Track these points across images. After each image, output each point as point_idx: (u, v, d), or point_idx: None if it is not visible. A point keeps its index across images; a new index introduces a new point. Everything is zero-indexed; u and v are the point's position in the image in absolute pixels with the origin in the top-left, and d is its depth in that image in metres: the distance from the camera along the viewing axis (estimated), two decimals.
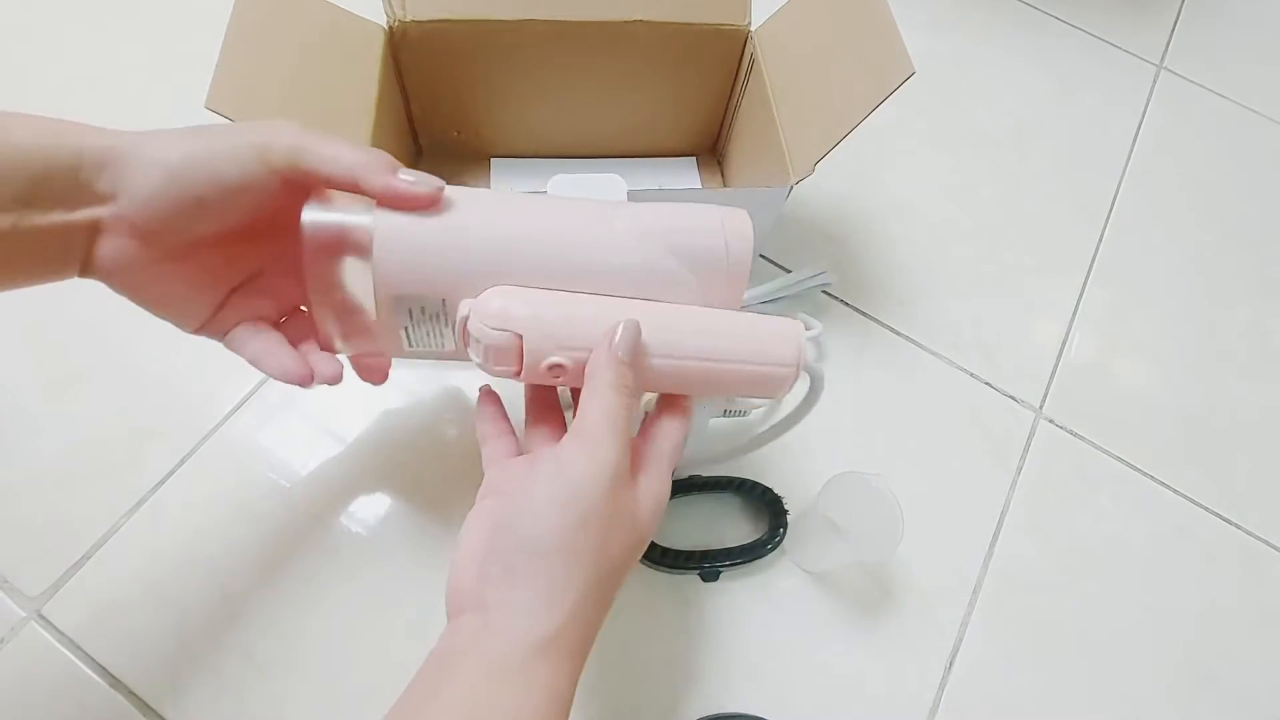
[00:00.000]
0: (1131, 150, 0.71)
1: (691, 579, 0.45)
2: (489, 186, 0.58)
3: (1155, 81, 0.77)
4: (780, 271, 0.58)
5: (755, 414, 0.50)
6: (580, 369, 0.29)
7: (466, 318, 0.29)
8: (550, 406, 0.35)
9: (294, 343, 0.33)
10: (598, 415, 0.28)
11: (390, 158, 0.29)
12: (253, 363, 0.32)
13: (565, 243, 0.31)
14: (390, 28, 0.48)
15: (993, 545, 0.49)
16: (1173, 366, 0.59)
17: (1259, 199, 0.70)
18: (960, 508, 0.50)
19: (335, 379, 0.33)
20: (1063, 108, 0.73)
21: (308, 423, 0.48)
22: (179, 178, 0.27)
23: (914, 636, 0.46)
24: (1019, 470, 0.52)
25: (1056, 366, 0.57)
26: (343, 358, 0.34)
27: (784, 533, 0.46)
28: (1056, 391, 0.56)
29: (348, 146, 0.28)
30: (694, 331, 0.31)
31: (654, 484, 0.30)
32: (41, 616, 0.41)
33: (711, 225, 0.32)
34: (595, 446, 0.27)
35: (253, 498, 0.45)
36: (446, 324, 0.31)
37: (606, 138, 0.60)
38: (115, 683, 0.39)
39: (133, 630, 0.41)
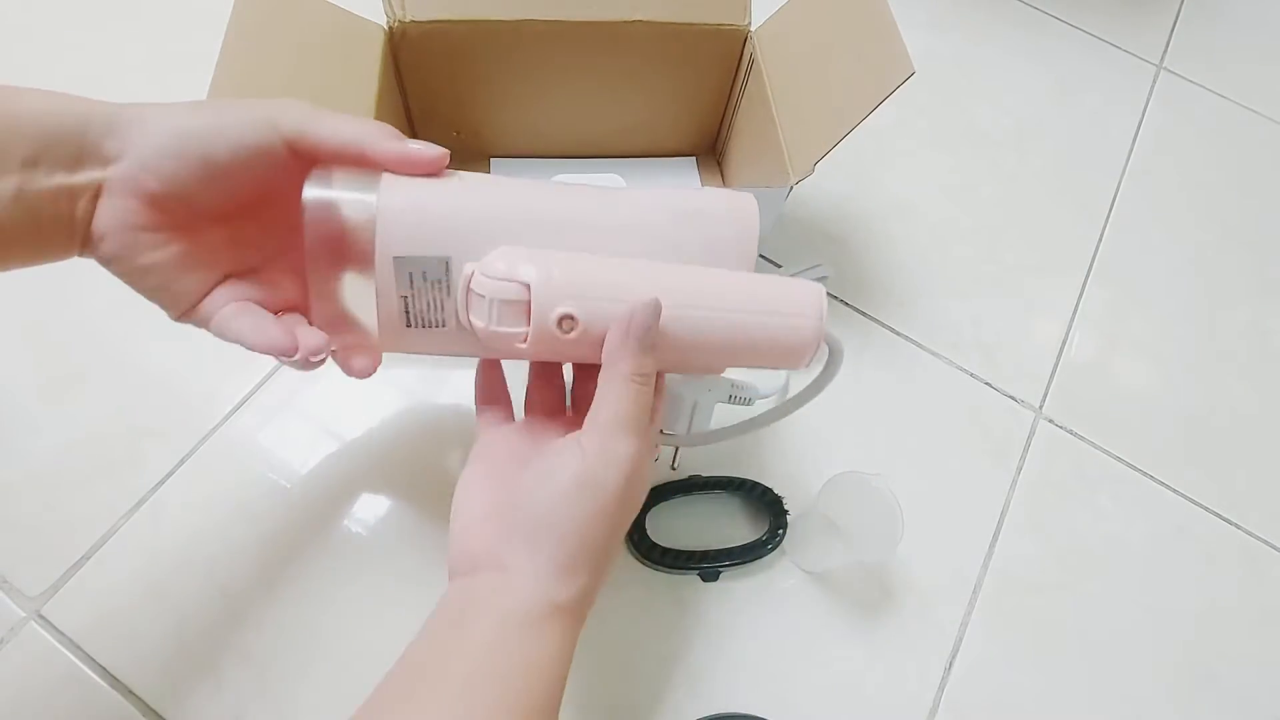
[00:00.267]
0: (1131, 150, 0.71)
1: (691, 579, 0.45)
2: None
3: (1155, 81, 0.77)
4: (772, 267, 0.58)
5: (760, 404, 0.50)
6: (595, 326, 0.28)
7: (470, 277, 0.29)
8: (553, 376, 0.35)
9: None
10: (616, 408, 0.28)
11: (394, 129, 0.29)
12: (238, 339, 0.30)
13: (570, 216, 0.30)
14: (390, 28, 0.48)
15: (993, 545, 0.49)
16: (1173, 366, 0.59)
17: (1259, 199, 0.70)
18: (960, 508, 0.50)
19: (319, 349, 0.31)
20: (1063, 108, 0.73)
21: (308, 423, 0.48)
22: (187, 137, 0.27)
23: (914, 636, 0.46)
24: (1019, 470, 0.52)
25: (1056, 366, 0.57)
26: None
27: (784, 533, 0.46)
28: (1056, 391, 0.56)
29: (353, 118, 0.29)
30: (711, 293, 0.30)
31: (645, 457, 0.31)
32: (41, 616, 0.41)
33: (718, 208, 0.32)
34: (615, 441, 0.28)
35: (253, 498, 0.45)
36: (448, 293, 0.29)
37: (606, 138, 0.60)
38: (115, 683, 0.39)
39: (133, 630, 0.41)
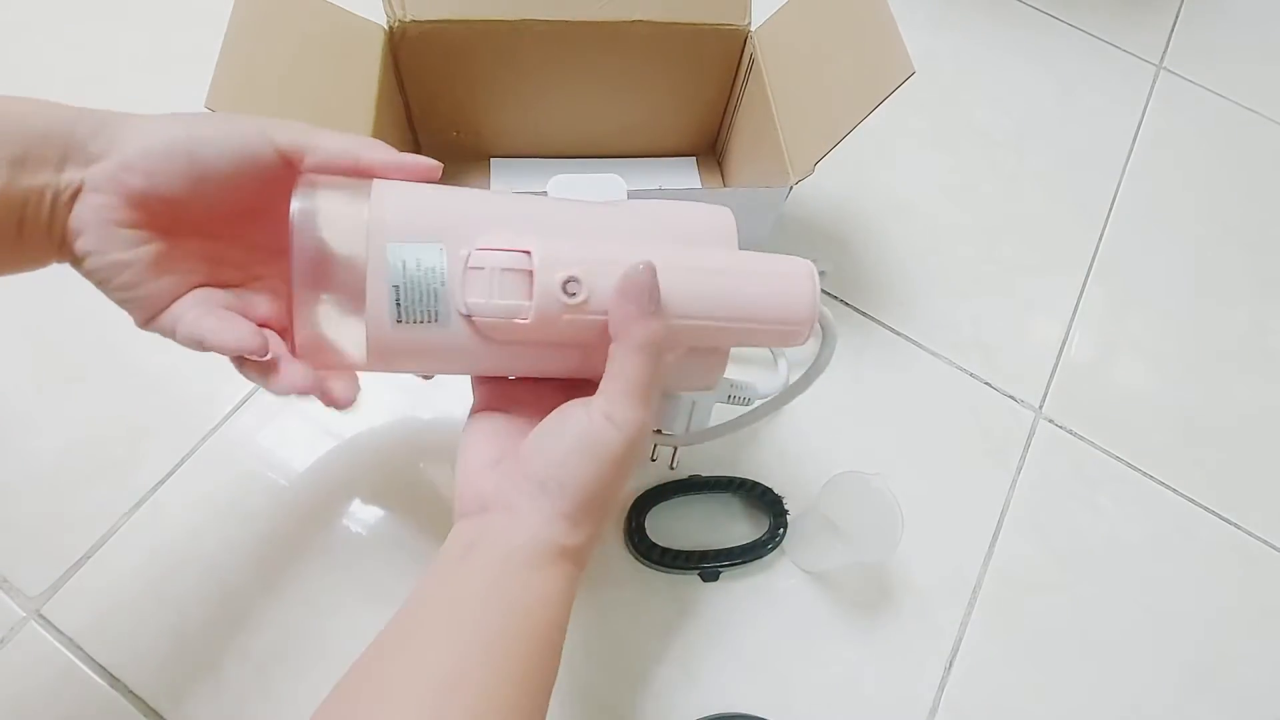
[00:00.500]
0: (1131, 150, 0.71)
1: (691, 579, 0.45)
2: (488, 187, 0.58)
3: (1155, 81, 0.77)
4: None
5: (758, 403, 0.50)
6: (599, 292, 0.28)
7: (468, 256, 0.28)
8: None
9: None
10: (626, 379, 0.28)
11: (388, 145, 0.29)
12: (200, 338, 0.28)
13: (559, 217, 0.31)
14: (390, 28, 0.48)
15: (993, 545, 0.49)
16: (1172, 366, 0.59)
17: (1259, 199, 0.70)
18: (960, 508, 0.50)
19: (301, 379, 0.30)
20: (1063, 108, 0.73)
21: (307, 423, 0.48)
22: (176, 139, 0.27)
23: (914, 636, 0.46)
24: (1019, 470, 0.52)
25: (1056, 366, 0.57)
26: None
27: (784, 533, 0.46)
28: (1056, 391, 0.56)
29: (349, 134, 0.29)
30: (709, 267, 0.31)
31: (648, 426, 0.32)
32: (41, 616, 0.41)
33: (697, 222, 0.32)
34: (625, 410, 0.28)
35: (252, 498, 0.45)
36: (442, 282, 0.28)
37: (606, 138, 0.60)
38: (115, 683, 0.39)
39: (133, 630, 0.41)
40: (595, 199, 0.33)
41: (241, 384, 0.48)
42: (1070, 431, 0.55)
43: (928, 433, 0.53)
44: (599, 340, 0.29)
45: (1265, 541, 0.52)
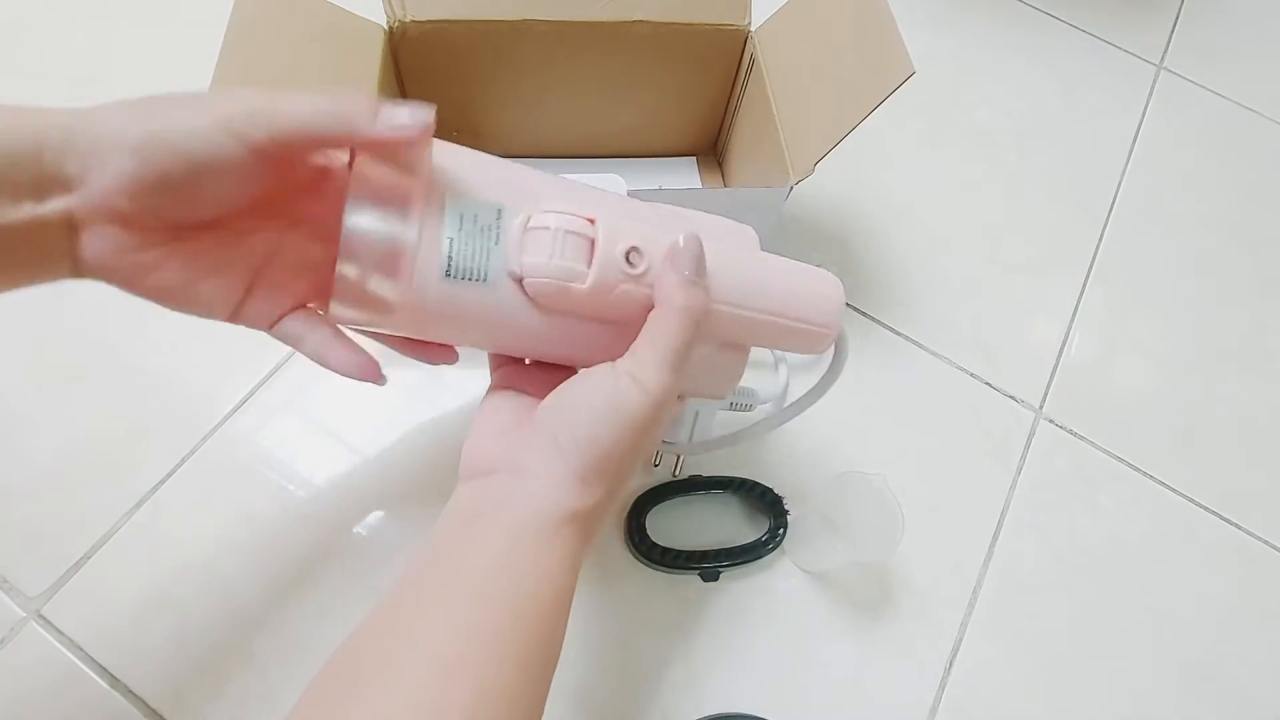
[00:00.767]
0: (1131, 150, 0.71)
1: (691, 579, 0.45)
2: None
3: (1155, 81, 0.77)
4: None
5: (761, 408, 0.51)
6: (658, 265, 0.29)
7: (529, 218, 0.28)
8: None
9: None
10: (662, 342, 0.28)
11: (363, 103, 0.26)
12: (313, 359, 0.31)
13: (614, 204, 0.31)
14: (390, 28, 0.48)
15: (993, 545, 0.49)
16: (1173, 366, 0.59)
17: (1259, 199, 0.70)
18: (960, 508, 0.50)
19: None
20: (1063, 107, 0.73)
21: (308, 423, 0.48)
22: (145, 160, 0.25)
23: (914, 637, 0.46)
24: (1019, 470, 0.52)
25: (1056, 366, 0.57)
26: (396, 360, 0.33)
27: (784, 533, 0.46)
28: (1056, 391, 0.56)
29: (312, 99, 0.26)
30: (747, 262, 0.31)
31: (674, 394, 0.32)
32: (41, 616, 0.41)
33: (727, 230, 0.33)
34: (655, 373, 0.28)
35: (253, 498, 0.45)
36: (496, 242, 0.28)
37: (606, 138, 0.60)
38: (115, 683, 0.39)
39: (133, 630, 0.41)
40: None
41: (241, 384, 0.49)
42: (1070, 431, 0.55)
43: (928, 433, 0.53)
44: (640, 318, 0.29)
45: (1265, 541, 0.52)
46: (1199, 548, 0.51)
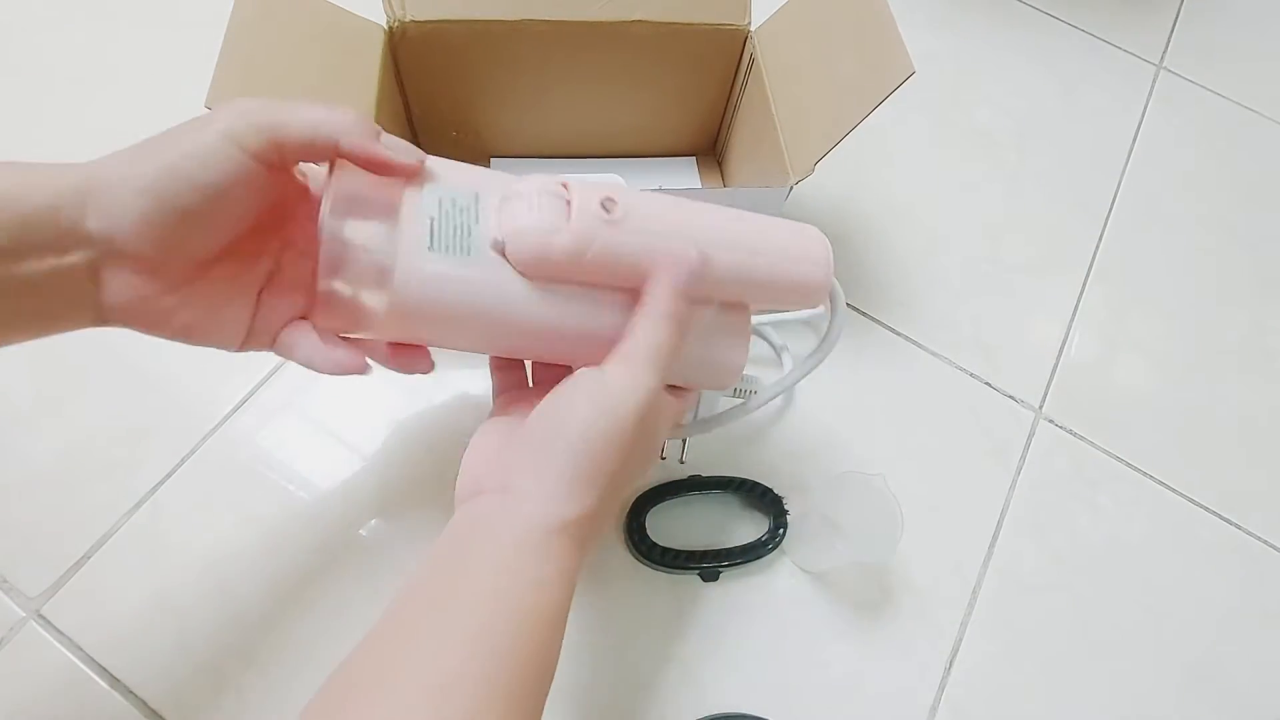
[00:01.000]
0: (1131, 150, 0.71)
1: (691, 579, 0.45)
2: None
3: (1155, 81, 0.77)
4: None
5: (763, 394, 0.50)
6: (634, 217, 0.29)
7: (504, 194, 0.29)
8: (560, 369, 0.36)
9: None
10: (647, 343, 0.28)
11: (366, 120, 0.28)
12: (306, 365, 0.31)
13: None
14: (390, 28, 0.48)
15: (993, 545, 0.49)
16: (1173, 366, 0.59)
17: (1259, 199, 0.70)
18: (960, 508, 0.50)
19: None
20: (1063, 107, 0.73)
21: (308, 423, 0.48)
22: (161, 197, 0.26)
23: (914, 636, 0.46)
24: (1019, 470, 0.52)
25: (1056, 366, 0.57)
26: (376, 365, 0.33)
27: (784, 533, 0.46)
28: (1056, 391, 0.56)
29: (316, 106, 0.27)
30: (731, 214, 0.32)
31: (672, 403, 0.32)
32: (41, 616, 0.41)
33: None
34: (639, 372, 0.28)
35: (252, 498, 0.45)
36: (477, 221, 0.29)
37: (606, 138, 0.60)
38: (115, 683, 0.39)
39: (133, 630, 0.41)
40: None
41: (241, 384, 0.49)
42: (1070, 431, 0.55)
43: (928, 433, 0.53)
44: (626, 284, 0.30)
45: (1265, 541, 0.52)
46: (1199, 548, 0.51)
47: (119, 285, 0.27)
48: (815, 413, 0.52)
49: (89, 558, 0.42)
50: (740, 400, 0.44)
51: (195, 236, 0.27)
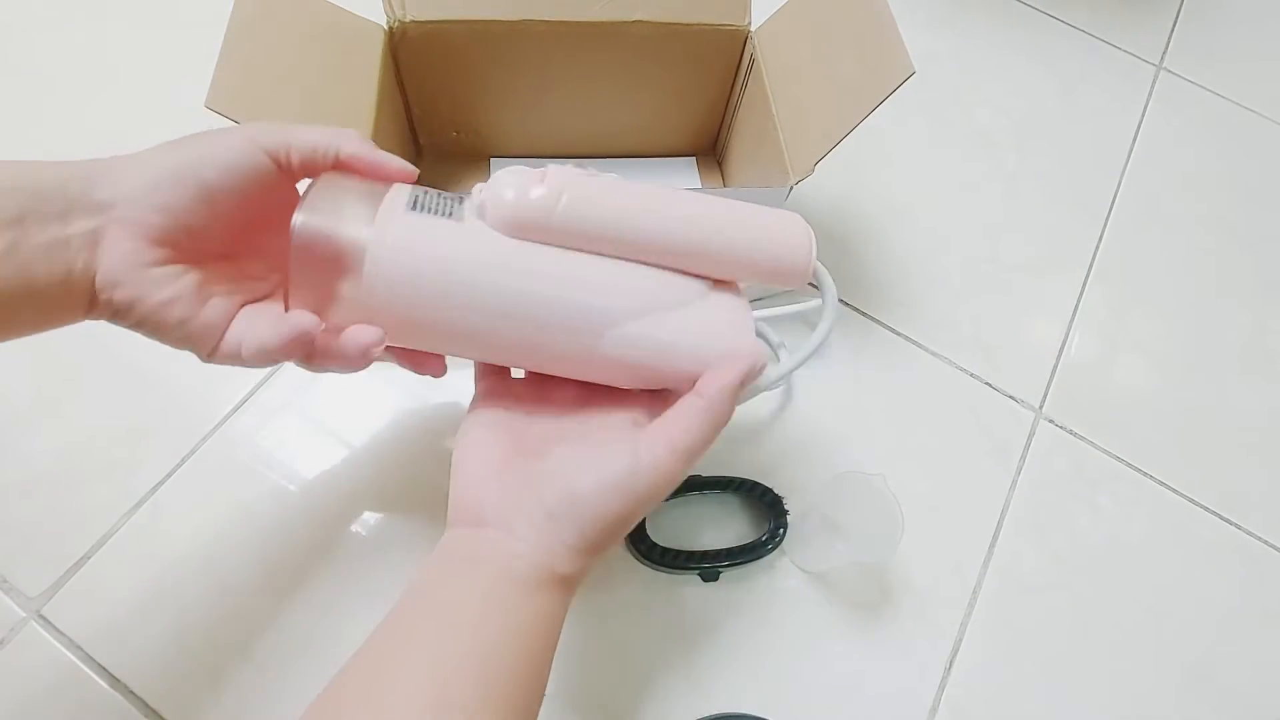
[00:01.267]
0: (1131, 150, 0.71)
1: (691, 579, 0.45)
2: None
3: (1155, 81, 0.77)
4: None
5: (765, 393, 0.51)
6: (609, 180, 0.31)
7: (482, 188, 0.30)
8: None
9: None
10: (690, 439, 0.29)
11: (364, 136, 0.31)
12: (269, 343, 0.28)
13: None
14: (390, 28, 0.48)
15: (993, 545, 0.49)
16: (1173, 366, 0.59)
17: (1259, 199, 0.70)
18: (960, 508, 0.50)
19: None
20: (1063, 108, 0.73)
21: (308, 423, 0.48)
22: (178, 167, 0.27)
23: (914, 637, 0.46)
24: (1019, 470, 0.52)
25: (1056, 366, 0.58)
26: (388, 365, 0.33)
27: (784, 533, 0.46)
28: (1056, 391, 0.56)
29: (324, 127, 0.30)
30: (704, 198, 0.33)
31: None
32: (41, 616, 0.41)
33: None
34: (676, 465, 0.29)
35: (252, 498, 0.45)
36: (460, 203, 0.30)
37: (606, 138, 0.60)
38: (115, 683, 0.39)
39: (133, 630, 0.41)
40: None
41: (241, 384, 0.49)
42: (1070, 431, 0.55)
43: (928, 433, 0.53)
44: (609, 248, 0.30)
45: (1265, 541, 0.52)
46: (1199, 548, 0.51)
47: (119, 253, 0.27)
48: (815, 413, 0.52)
49: (89, 558, 0.42)
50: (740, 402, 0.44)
51: (200, 210, 0.28)
